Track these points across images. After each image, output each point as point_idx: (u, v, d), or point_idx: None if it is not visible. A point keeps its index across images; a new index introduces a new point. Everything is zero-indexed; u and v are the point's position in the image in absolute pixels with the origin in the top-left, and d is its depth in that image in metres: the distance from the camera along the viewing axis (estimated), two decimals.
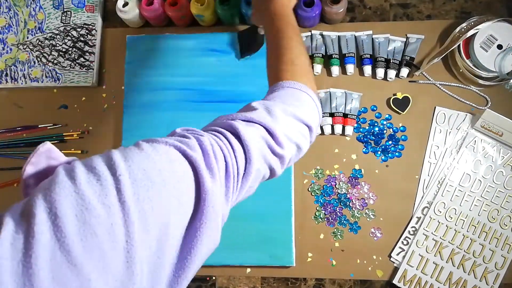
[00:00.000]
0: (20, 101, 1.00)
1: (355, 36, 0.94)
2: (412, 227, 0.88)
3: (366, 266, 0.87)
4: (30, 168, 0.42)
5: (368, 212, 0.89)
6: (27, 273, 0.31)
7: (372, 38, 0.93)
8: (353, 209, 0.89)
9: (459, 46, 0.89)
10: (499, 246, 0.86)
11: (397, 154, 0.90)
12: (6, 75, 0.99)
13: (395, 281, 0.86)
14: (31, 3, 1.02)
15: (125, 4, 0.94)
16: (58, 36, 1.00)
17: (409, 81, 0.92)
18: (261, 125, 0.51)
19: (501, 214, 0.87)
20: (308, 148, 0.61)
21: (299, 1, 0.90)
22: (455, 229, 0.87)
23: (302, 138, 0.57)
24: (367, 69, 0.92)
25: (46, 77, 0.98)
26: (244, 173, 0.48)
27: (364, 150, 0.91)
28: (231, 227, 0.88)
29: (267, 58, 0.67)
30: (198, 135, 0.45)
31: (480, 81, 0.89)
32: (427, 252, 0.86)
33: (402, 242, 0.87)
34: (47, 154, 0.42)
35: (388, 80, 0.92)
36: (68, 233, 0.33)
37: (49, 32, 1.00)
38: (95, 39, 0.99)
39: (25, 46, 1.00)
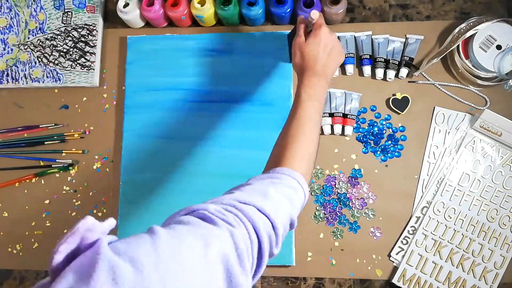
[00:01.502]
0: (21, 101, 1.00)
1: (354, 37, 0.94)
2: (412, 226, 0.88)
3: (366, 266, 0.88)
4: (64, 248, 0.37)
5: (367, 212, 0.89)
6: None
7: (372, 39, 0.93)
8: (353, 208, 0.89)
9: (458, 46, 0.90)
10: (498, 246, 0.86)
11: (396, 154, 0.91)
12: (7, 75, 1.00)
13: (394, 281, 0.86)
14: (32, 4, 1.02)
15: (126, 5, 0.94)
16: (59, 37, 1.00)
17: (409, 82, 0.93)
18: (268, 219, 0.52)
19: (500, 213, 0.87)
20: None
21: (299, 2, 0.90)
22: (454, 229, 0.87)
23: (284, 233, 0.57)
24: (367, 69, 0.93)
25: (47, 77, 0.99)
26: (257, 264, 0.50)
27: (363, 150, 0.91)
28: None
29: (283, 128, 0.69)
30: (229, 226, 0.46)
31: (479, 82, 0.89)
32: (427, 251, 0.87)
33: (402, 242, 0.88)
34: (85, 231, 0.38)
35: (387, 81, 0.93)
36: None
37: (50, 33, 1.01)
38: (96, 40, 0.99)
39: (26, 47, 1.01)
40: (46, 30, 1.01)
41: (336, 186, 0.90)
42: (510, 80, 0.87)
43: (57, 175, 0.96)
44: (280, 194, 0.56)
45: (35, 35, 1.01)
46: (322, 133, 0.92)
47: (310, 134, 0.66)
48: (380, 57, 0.92)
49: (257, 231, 0.49)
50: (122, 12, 0.95)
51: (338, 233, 0.89)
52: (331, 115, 0.92)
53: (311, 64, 0.72)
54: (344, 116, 0.92)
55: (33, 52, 1.00)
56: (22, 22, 1.02)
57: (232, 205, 0.50)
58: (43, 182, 0.96)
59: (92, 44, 0.99)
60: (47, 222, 0.94)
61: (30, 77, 0.99)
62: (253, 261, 0.48)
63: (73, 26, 1.00)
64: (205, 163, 0.92)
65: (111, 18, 1.02)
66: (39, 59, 1.00)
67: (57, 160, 0.96)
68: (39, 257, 0.93)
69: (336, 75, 0.94)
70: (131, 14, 0.95)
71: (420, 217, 0.88)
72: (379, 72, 0.92)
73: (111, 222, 0.39)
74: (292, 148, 0.64)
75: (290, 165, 0.62)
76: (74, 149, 0.97)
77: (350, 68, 0.93)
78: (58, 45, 1.00)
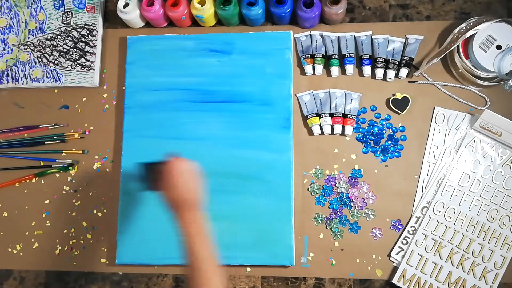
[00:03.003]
0: (21, 101, 1.00)
1: (354, 37, 0.94)
2: (412, 226, 0.88)
3: (366, 266, 0.88)
4: None
5: (367, 212, 0.89)
6: None
7: (372, 39, 0.93)
8: (353, 208, 0.89)
9: (458, 46, 0.90)
10: (498, 246, 0.86)
11: (396, 154, 0.91)
12: (7, 75, 1.00)
13: (394, 281, 0.86)
14: (32, 4, 1.02)
15: (126, 5, 0.94)
16: (59, 37, 1.00)
17: (408, 82, 0.93)
18: None
19: (500, 213, 0.87)
20: None
21: (299, 2, 0.90)
22: (454, 229, 0.87)
23: None
24: (367, 69, 0.93)
25: (47, 77, 0.99)
26: None
27: (363, 150, 0.91)
28: (231, 227, 0.89)
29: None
30: None
31: (479, 82, 0.89)
32: (427, 251, 0.87)
33: (402, 242, 0.88)
34: None
35: (387, 81, 0.93)
36: None
37: (50, 33, 1.01)
38: (96, 40, 0.99)
39: (26, 47, 1.01)
40: (46, 30, 1.01)
41: (336, 186, 0.90)
42: (510, 80, 0.87)
43: (57, 175, 0.96)
44: None
45: (35, 35, 1.01)
46: (322, 133, 0.92)
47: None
48: (380, 57, 0.92)
49: None
50: (122, 12, 0.95)
51: (338, 233, 0.89)
52: (331, 115, 0.92)
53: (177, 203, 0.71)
54: (344, 116, 0.92)
55: (33, 52, 1.00)
56: (22, 22, 1.02)
57: None
58: (43, 182, 0.96)
59: (92, 44, 0.99)
60: (47, 222, 0.94)
61: (30, 77, 0.99)
62: None
63: (73, 26, 1.00)
64: (205, 163, 0.91)
65: (111, 18, 1.02)
66: (39, 59, 1.00)
67: (57, 160, 0.96)
68: (39, 257, 0.93)
69: (336, 75, 0.94)
70: (131, 14, 0.95)
71: (420, 217, 0.88)
72: (379, 72, 0.92)
73: None
74: None
75: None
76: (74, 149, 0.97)
77: (350, 68, 0.93)
78: (58, 45, 1.00)
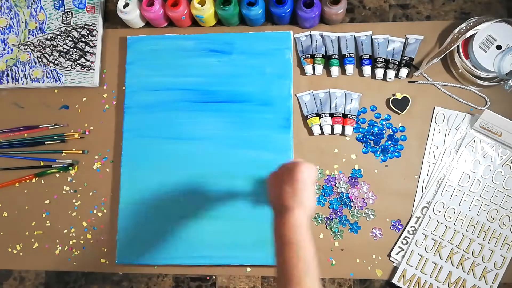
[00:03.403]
0: (21, 101, 1.00)
1: (354, 37, 0.94)
2: (412, 226, 0.88)
3: (366, 266, 0.88)
4: None
5: (367, 212, 0.89)
6: None
7: (372, 39, 0.93)
8: (353, 208, 0.89)
9: (458, 46, 0.90)
10: (498, 246, 0.86)
11: (396, 154, 0.91)
12: (7, 75, 1.00)
13: (394, 281, 0.86)
14: (32, 4, 1.02)
15: (126, 5, 0.94)
16: (59, 37, 1.00)
17: (408, 82, 0.93)
18: None
19: (500, 213, 0.87)
20: None
21: (299, 2, 0.90)
22: (454, 229, 0.87)
23: None
24: (367, 69, 0.93)
25: (47, 77, 0.99)
26: None
27: (363, 150, 0.91)
28: (231, 227, 0.89)
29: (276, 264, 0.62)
30: None
31: (479, 82, 0.89)
32: (427, 251, 0.87)
33: (402, 242, 0.88)
34: None
35: (387, 81, 0.93)
36: None
37: (50, 33, 1.01)
38: (96, 40, 0.99)
39: (26, 47, 1.01)
40: (46, 30, 1.01)
41: (336, 186, 0.90)
42: (510, 80, 0.87)
43: (57, 175, 0.96)
44: None
45: (35, 35, 1.01)
46: (322, 133, 0.92)
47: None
48: (380, 57, 0.92)
49: None
50: (122, 12, 0.95)
51: (338, 233, 0.89)
52: (331, 115, 0.92)
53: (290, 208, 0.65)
54: (344, 116, 0.92)
55: (33, 52, 1.00)
56: (22, 22, 1.02)
57: None
58: (43, 182, 0.96)
59: (92, 44, 0.99)
60: (47, 222, 0.94)
61: (30, 77, 0.99)
62: None
63: (73, 26, 1.00)
64: (205, 163, 0.92)
65: (111, 18, 1.02)
66: (39, 59, 1.00)
67: (57, 160, 0.96)
68: (39, 257, 0.93)
69: (336, 75, 0.94)
70: (131, 14, 0.95)
71: (420, 217, 0.88)
72: (379, 72, 0.92)
73: None
74: None
75: None
76: (74, 149, 0.97)
77: (350, 68, 0.93)
78: (58, 45, 1.00)
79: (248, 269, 0.90)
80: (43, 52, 1.00)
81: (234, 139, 0.92)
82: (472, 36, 0.88)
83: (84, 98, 0.99)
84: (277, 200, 0.67)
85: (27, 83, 0.99)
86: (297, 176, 0.65)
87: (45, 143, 0.97)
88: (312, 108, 0.93)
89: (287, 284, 0.59)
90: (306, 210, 0.65)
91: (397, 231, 0.88)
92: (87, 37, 1.00)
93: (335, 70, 0.93)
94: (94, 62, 0.98)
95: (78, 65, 0.99)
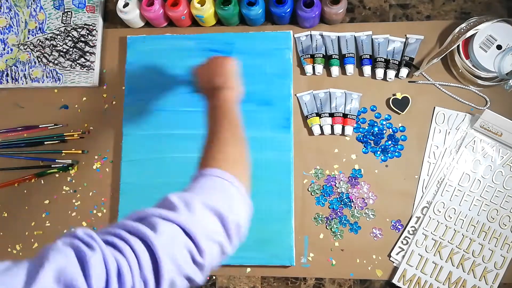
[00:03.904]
0: (21, 101, 1.00)
1: (354, 37, 0.94)
2: (412, 226, 0.88)
3: (366, 266, 0.88)
4: None
5: (368, 212, 0.89)
6: None
7: (372, 39, 0.93)
8: (353, 209, 0.89)
9: (458, 46, 0.89)
10: (498, 246, 0.86)
11: (396, 154, 0.90)
12: (7, 75, 1.00)
13: (394, 281, 0.86)
14: (31, 4, 1.02)
15: (126, 5, 0.94)
16: (58, 37, 1.00)
17: (409, 81, 0.93)
18: (180, 227, 0.47)
19: (500, 213, 0.87)
20: (235, 248, 0.54)
21: (299, 1, 0.90)
22: (454, 229, 0.87)
23: (225, 238, 0.51)
24: (367, 69, 0.92)
25: (46, 77, 0.99)
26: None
27: (363, 150, 0.91)
28: None
29: (204, 142, 0.64)
30: (90, 252, 0.42)
31: (479, 82, 0.89)
32: (427, 251, 0.87)
33: (402, 242, 0.88)
34: None
35: (387, 81, 0.93)
36: None
37: (50, 33, 1.01)
38: (96, 40, 0.99)
39: (25, 47, 1.01)
40: (46, 30, 1.01)
41: (336, 186, 0.90)
42: (510, 80, 0.87)
43: (57, 175, 0.96)
44: (203, 205, 0.51)
45: (35, 35, 1.01)
46: (322, 133, 0.92)
47: (234, 140, 0.65)
48: (380, 57, 0.92)
49: (153, 249, 0.44)
50: (122, 12, 0.95)
51: (338, 233, 0.89)
52: (331, 115, 0.92)
53: (213, 92, 0.73)
54: (344, 116, 0.92)
55: (32, 52, 1.00)
56: (22, 22, 1.02)
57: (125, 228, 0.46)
58: (43, 182, 0.96)
59: (92, 44, 0.99)
60: (47, 222, 0.94)
61: (30, 77, 0.99)
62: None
63: (73, 26, 1.00)
64: None
65: (111, 18, 1.02)
66: (39, 59, 1.00)
67: (57, 160, 0.96)
68: None
69: (336, 75, 0.94)
70: (131, 14, 0.95)
71: (420, 217, 0.88)
72: (379, 72, 0.92)
73: None
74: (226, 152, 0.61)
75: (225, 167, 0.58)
76: (74, 149, 0.96)
77: (350, 68, 0.93)
78: (58, 45, 1.00)
79: (248, 269, 0.90)
80: (43, 52, 1.00)
81: None
82: (472, 36, 0.88)
83: (84, 98, 0.99)
84: (210, 85, 0.74)
85: (27, 83, 0.99)
86: (228, 67, 0.76)
87: (45, 143, 0.97)
88: (312, 108, 0.93)
89: (214, 150, 0.62)
90: (237, 92, 0.74)
91: (397, 231, 0.88)
92: (86, 37, 1.00)
93: (335, 70, 0.93)
94: (93, 62, 0.98)
95: (78, 65, 0.98)
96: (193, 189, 0.54)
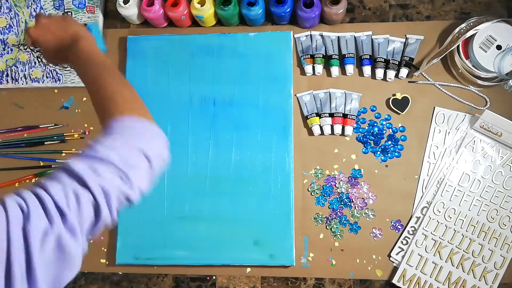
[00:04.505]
0: (21, 101, 1.00)
1: (354, 37, 0.94)
2: (412, 227, 0.88)
3: (366, 266, 0.88)
4: None
5: (367, 212, 0.89)
6: None
7: (372, 39, 0.93)
8: (353, 209, 0.89)
9: (458, 46, 0.89)
10: (498, 246, 0.86)
11: (396, 154, 0.91)
12: (7, 75, 1.00)
13: (394, 281, 0.86)
14: (31, 4, 1.02)
15: (126, 1, 0.94)
16: None
17: (409, 82, 0.93)
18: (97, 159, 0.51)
19: (500, 214, 0.87)
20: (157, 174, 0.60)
21: (299, 2, 0.90)
22: (454, 229, 0.87)
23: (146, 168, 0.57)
24: (367, 69, 0.93)
25: (46, 77, 0.99)
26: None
27: (363, 150, 0.91)
28: (231, 227, 0.89)
29: (91, 98, 0.64)
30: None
31: (479, 82, 0.89)
32: (427, 251, 0.87)
33: (402, 242, 0.88)
34: None
35: (387, 81, 0.93)
36: None
37: None
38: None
39: (25, 47, 1.01)
40: None
41: (336, 186, 0.90)
42: (510, 80, 0.87)
43: None
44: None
45: None
46: (322, 133, 0.92)
47: (119, 83, 0.67)
48: (380, 57, 0.92)
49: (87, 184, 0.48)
50: (122, 7, 0.94)
51: (338, 233, 0.89)
52: (331, 115, 0.92)
53: (69, 46, 0.71)
54: (344, 116, 0.92)
55: (32, 52, 1.00)
56: (22, 22, 1.02)
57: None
58: None
59: None
60: None
61: (30, 77, 0.99)
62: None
63: None
64: (204, 163, 0.92)
65: (111, 18, 1.02)
66: (39, 59, 1.00)
67: (57, 161, 0.96)
68: None
69: (336, 75, 0.94)
70: (131, 9, 0.95)
71: (420, 217, 0.88)
72: (379, 72, 0.92)
73: None
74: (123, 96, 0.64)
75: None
76: (74, 149, 0.96)
77: (350, 68, 0.93)
78: None
79: (248, 269, 0.90)
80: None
81: (233, 139, 0.92)
82: (472, 36, 0.88)
83: (84, 98, 0.99)
84: (63, 41, 0.71)
85: (26, 83, 0.99)
86: (69, 19, 0.75)
87: (45, 143, 0.97)
88: (312, 108, 0.93)
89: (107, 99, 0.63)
90: (91, 37, 0.72)
91: (397, 231, 0.88)
92: None
93: (335, 70, 0.93)
94: None
95: None
96: (109, 134, 0.55)
